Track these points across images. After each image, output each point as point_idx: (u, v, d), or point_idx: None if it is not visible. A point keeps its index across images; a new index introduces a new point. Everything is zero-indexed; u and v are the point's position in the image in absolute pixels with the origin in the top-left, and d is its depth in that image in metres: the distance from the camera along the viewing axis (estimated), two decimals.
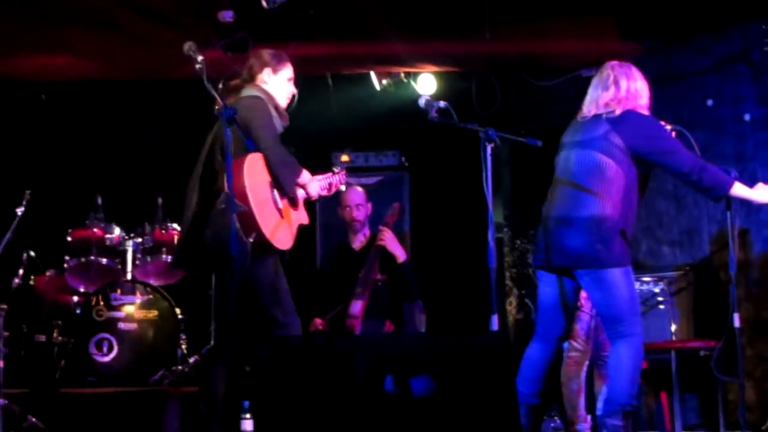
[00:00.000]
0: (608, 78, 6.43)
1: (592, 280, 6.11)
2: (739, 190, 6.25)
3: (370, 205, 8.26)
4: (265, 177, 6.19)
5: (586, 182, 6.18)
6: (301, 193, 6.46)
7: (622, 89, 6.37)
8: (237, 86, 6.52)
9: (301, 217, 6.48)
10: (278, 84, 6.52)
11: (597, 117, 6.26)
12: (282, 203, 6.29)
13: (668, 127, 6.60)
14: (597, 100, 6.40)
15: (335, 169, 6.91)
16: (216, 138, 6.34)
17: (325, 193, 6.74)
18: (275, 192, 6.25)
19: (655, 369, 7.90)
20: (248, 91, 6.41)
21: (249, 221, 5.93)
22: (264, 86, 6.47)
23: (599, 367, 6.99)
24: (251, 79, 6.51)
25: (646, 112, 6.38)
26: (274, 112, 6.38)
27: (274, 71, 6.50)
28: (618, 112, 6.28)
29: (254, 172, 6.10)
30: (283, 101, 6.53)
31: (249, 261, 5.94)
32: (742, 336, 6.84)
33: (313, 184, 6.53)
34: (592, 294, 6.20)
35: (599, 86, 6.42)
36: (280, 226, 6.23)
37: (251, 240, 5.95)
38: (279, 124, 6.39)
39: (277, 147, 6.23)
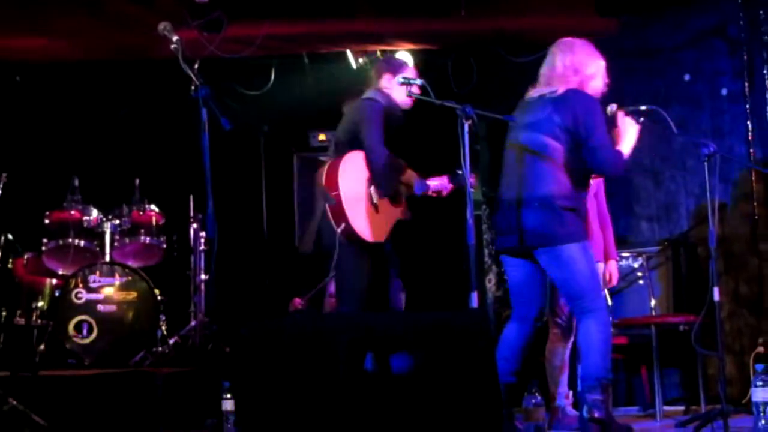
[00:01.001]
0: (551, 55, 6.49)
1: (549, 258, 6.16)
2: (625, 148, 6.38)
3: None
4: (363, 174, 6.69)
5: (534, 164, 6.24)
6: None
7: (560, 66, 6.40)
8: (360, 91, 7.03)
9: (401, 213, 6.91)
10: (396, 88, 6.84)
11: (542, 97, 6.31)
12: (380, 199, 6.72)
13: (642, 108, 6.60)
14: (541, 78, 6.45)
15: (459, 171, 6.82)
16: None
17: (432, 194, 7.05)
18: (372, 189, 6.69)
19: (635, 344, 7.93)
20: (366, 94, 6.94)
21: (338, 213, 6.52)
22: (384, 90, 6.91)
23: None
24: (372, 83, 7.02)
25: (594, 90, 6.39)
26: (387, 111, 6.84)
27: (394, 75, 6.86)
28: (560, 91, 6.31)
29: (352, 168, 6.64)
30: (403, 104, 6.93)
31: (337, 248, 6.53)
32: (722, 310, 6.87)
33: (418, 184, 6.90)
34: (551, 272, 6.23)
35: (545, 64, 6.47)
36: (371, 219, 6.65)
37: (340, 230, 6.51)
38: (394, 123, 6.89)
39: (377, 149, 6.68)
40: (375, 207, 6.66)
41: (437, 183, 7.03)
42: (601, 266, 7.02)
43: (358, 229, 6.52)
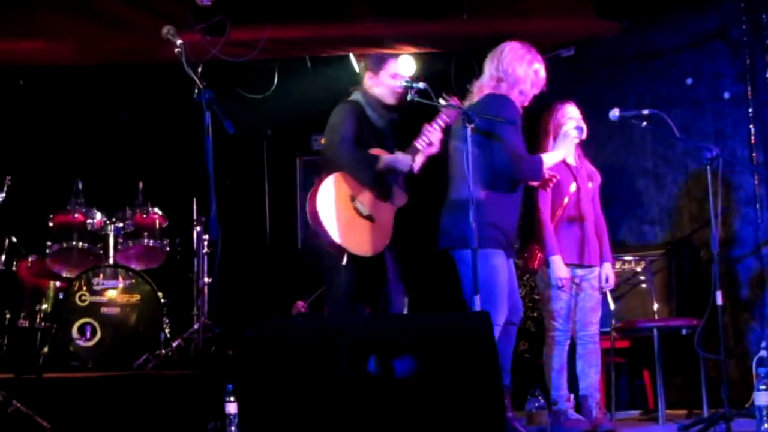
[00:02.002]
0: (484, 64, 6.81)
1: (455, 260, 6.49)
2: (548, 158, 6.57)
3: None
4: (344, 192, 6.60)
5: (455, 169, 6.59)
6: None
7: (487, 74, 6.73)
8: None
9: (397, 202, 6.77)
10: (381, 84, 6.78)
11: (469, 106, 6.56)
12: (369, 208, 6.62)
13: (644, 112, 6.67)
14: (473, 88, 6.82)
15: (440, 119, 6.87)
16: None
17: (432, 150, 6.84)
18: (357, 202, 6.56)
19: (638, 348, 7.94)
20: (349, 97, 6.90)
21: (336, 248, 6.56)
22: (368, 90, 6.83)
23: (578, 347, 7.02)
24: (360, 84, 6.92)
25: (527, 92, 6.64)
26: (368, 112, 6.77)
27: (376, 73, 6.80)
28: (476, 98, 6.64)
29: (329, 195, 6.55)
30: (389, 99, 6.81)
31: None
32: (724, 314, 6.87)
33: (400, 160, 6.69)
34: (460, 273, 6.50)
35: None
36: (369, 233, 6.60)
37: (344, 262, 6.54)
38: (378, 120, 6.80)
39: (341, 146, 6.61)
40: (369, 218, 6.61)
41: (423, 139, 6.84)
42: (596, 270, 7.04)
43: (359, 251, 6.52)
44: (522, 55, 6.66)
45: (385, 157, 6.67)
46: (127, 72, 9.69)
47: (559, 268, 6.83)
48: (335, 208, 6.51)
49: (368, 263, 6.59)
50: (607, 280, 7.09)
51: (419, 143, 6.74)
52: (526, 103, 6.71)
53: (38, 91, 9.85)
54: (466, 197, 6.22)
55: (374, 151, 6.72)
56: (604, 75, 9.09)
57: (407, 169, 6.68)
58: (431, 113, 6.71)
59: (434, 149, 6.79)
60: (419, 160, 6.81)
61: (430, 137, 6.75)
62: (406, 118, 7.00)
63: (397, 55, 6.81)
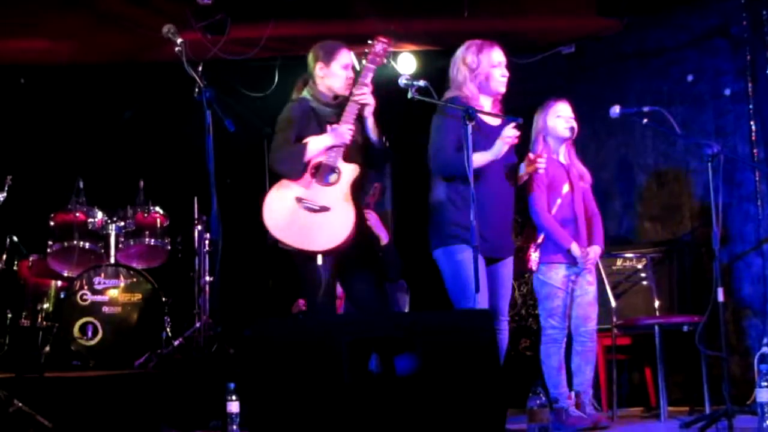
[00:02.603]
0: None
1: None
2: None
3: None
4: (289, 194, 6.35)
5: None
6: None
7: (459, 70, 6.74)
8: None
9: (346, 178, 6.37)
10: (333, 75, 6.53)
11: None
12: (319, 200, 6.31)
13: (645, 109, 6.67)
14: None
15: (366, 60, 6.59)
16: None
17: (367, 101, 6.46)
18: (305, 201, 6.30)
19: (640, 345, 7.94)
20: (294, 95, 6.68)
21: (297, 254, 6.36)
22: (317, 83, 6.56)
23: (575, 344, 7.03)
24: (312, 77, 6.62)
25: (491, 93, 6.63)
26: (315, 106, 6.51)
27: (327, 64, 6.53)
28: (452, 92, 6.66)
29: (273, 213, 6.33)
30: (341, 90, 6.53)
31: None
32: (726, 311, 6.87)
33: (339, 134, 6.38)
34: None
35: None
36: (324, 228, 6.29)
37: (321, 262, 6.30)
38: (329, 113, 6.50)
39: (273, 151, 6.42)
40: (323, 209, 6.29)
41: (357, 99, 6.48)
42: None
43: (330, 245, 6.26)
44: (477, 51, 6.69)
45: (314, 138, 6.39)
46: (127, 71, 9.70)
47: (578, 251, 6.89)
48: (286, 221, 6.29)
49: (345, 258, 6.41)
50: (589, 259, 7.03)
51: (351, 110, 6.42)
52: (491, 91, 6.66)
53: (39, 90, 9.85)
54: (434, 198, 6.56)
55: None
56: (604, 72, 9.09)
57: (346, 140, 6.34)
58: (430, 109, 6.67)
59: (371, 107, 6.49)
60: (370, 122, 6.52)
61: (362, 99, 6.44)
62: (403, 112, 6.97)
63: (348, 45, 6.62)
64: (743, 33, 8.27)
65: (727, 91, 8.35)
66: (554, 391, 6.86)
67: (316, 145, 6.34)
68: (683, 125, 7.95)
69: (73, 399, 6.99)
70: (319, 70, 6.51)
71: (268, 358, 5.21)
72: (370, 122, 6.48)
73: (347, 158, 6.38)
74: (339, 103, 6.48)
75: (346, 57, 6.55)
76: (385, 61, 6.58)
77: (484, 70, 6.59)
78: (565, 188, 7.00)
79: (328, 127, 6.39)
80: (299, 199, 6.26)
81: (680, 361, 7.89)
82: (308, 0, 8.22)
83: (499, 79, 6.60)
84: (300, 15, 8.38)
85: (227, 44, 8.64)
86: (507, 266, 6.65)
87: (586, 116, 7.11)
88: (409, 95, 6.33)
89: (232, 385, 5.48)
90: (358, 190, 6.45)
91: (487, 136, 6.42)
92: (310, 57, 6.58)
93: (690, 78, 8.55)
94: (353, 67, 6.55)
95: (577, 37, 9.17)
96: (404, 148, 9.95)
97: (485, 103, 6.60)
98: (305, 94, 6.57)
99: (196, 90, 5.70)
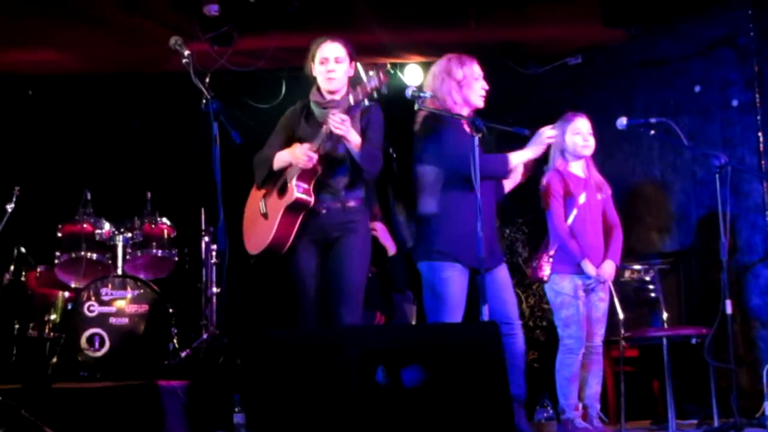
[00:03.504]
0: None
1: None
2: (516, 157, 6.56)
3: None
4: (259, 195, 6.44)
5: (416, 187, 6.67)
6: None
7: (442, 80, 6.73)
8: None
9: (288, 196, 6.21)
10: (316, 73, 6.47)
11: None
12: (267, 206, 6.34)
13: (652, 120, 6.68)
14: None
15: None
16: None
17: (339, 132, 6.10)
18: (263, 201, 6.37)
19: (647, 357, 7.92)
20: None
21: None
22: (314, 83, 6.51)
23: (583, 357, 7.03)
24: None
25: (469, 105, 6.66)
26: (311, 106, 6.46)
27: (312, 62, 6.48)
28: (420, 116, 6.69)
29: (249, 201, 6.48)
30: (326, 86, 6.42)
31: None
32: (734, 322, 6.85)
33: (294, 156, 6.20)
34: None
35: None
36: (257, 230, 6.33)
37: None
38: (324, 113, 6.33)
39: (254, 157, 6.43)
40: (264, 215, 6.34)
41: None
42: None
43: (251, 249, 6.36)
44: (446, 65, 6.73)
45: (282, 152, 6.31)
46: (135, 82, 9.72)
47: (590, 268, 6.90)
48: (248, 210, 6.48)
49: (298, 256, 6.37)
50: (604, 276, 7.04)
51: (323, 132, 6.19)
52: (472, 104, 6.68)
53: (46, 101, 9.88)
54: (421, 212, 6.60)
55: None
56: (611, 83, 9.09)
57: (299, 164, 6.16)
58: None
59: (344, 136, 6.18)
60: (354, 141, 6.19)
61: (333, 127, 6.11)
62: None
63: (326, 39, 6.48)
64: (750, 44, 8.27)
65: (735, 102, 8.33)
66: (563, 402, 6.87)
67: (280, 159, 6.33)
68: (690, 136, 7.94)
69: (81, 410, 6.98)
70: (310, 70, 6.50)
71: (275, 369, 5.20)
72: (351, 145, 6.22)
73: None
74: (331, 102, 6.35)
75: (324, 51, 6.42)
76: (375, 93, 6.28)
77: (467, 83, 6.60)
78: (582, 199, 7.01)
79: (321, 128, 6.23)
80: (263, 197, 6.39)
81: (688, 374, 7.86)
82: (315, 11, 8.22)
83: (480, 92, 6.65)
84: (307, 26, 8.38)
85: (234, 55, 8.66)
86: (503, 271, 6.70)
87: (593, 127, 7.10)
88: (416, 107, 6.33)
89: (238, 397, 5.48)
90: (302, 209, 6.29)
91: None
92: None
93: (697, 89, 8.55)
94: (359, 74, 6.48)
95: (584, 47, 9.18)
96: (409, 160, 9.96)
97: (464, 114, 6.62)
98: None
99: (203, 101, 5.70)
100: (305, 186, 6.19)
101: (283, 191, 6.26)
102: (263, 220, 6.29)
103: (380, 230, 8.03)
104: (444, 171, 6.48)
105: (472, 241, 6.12)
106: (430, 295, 6.50)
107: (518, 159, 6.57)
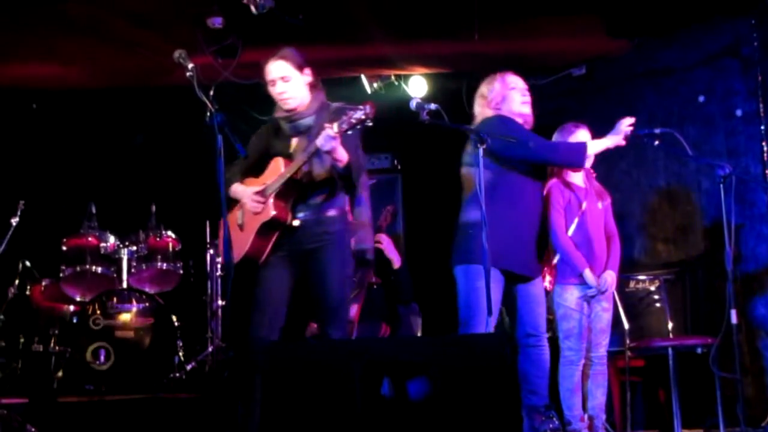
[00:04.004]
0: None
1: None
2: (593, 147, 6.64)
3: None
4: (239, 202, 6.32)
5: (463, 191, 6.68)
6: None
7: (477, 102, 6.83)
8: None
9: (265, 214, 6.14)
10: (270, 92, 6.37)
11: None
12: (245, 217, 6.26)
13: (656, 131, 6.70)
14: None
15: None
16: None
17: (329, 149, 5.94)
18: (241, 211, 6.28)
19: (653, 367, 7.92)
20: None
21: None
22: None
23: (587, 368, 7.03)
24: None
25: (514, 115, 6.70)
26: (280, 122, 6.36)
27: (264, 82, 6.38)
28: (476, 122, 6.72)
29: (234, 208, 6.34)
30: (281, 106, 6.36)
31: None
32: (740, 332, 6.84)
33: (244, 197, 6.20)
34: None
35: None
36: (236, 239, 6.16)
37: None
38: (292, 129, 6.28)
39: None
40: (240, 227, 6.28)
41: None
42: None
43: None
44: (501, 80, 6.78)
45: (241, 188, 6.27)
46: (139, 95, 9.73)
47: (592, 278, 6.91)
48: (232, 218, 6.30)
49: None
50: (605, 285, 7.04)
51: (310, 150, 6.05)
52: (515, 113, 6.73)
53: (51, 115, 9.89)
54: (467, 218, 6.53)
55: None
56: (615, 93, 9.10)
57: (249, 209, 6.17)
58: (440, 132, 6.67)
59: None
60: (342, 158, 6.04)
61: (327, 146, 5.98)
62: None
63: (268, 59, 6.39)
64: (754, 53, 8.27)
65: (739, 112, 8.33)
66: (568, 413, 6.86)
67: (235, 192, 6.29)
68: (695, 146, 7.94)
69: (86, 423, 6.99)
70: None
71: (281, 382, 5.20)
72: (339, 162, 6.09)
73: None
74: (297, 114, 6.29)
75: (269, 74, 6.34)
76: (359, 125, 6.10)
77: (503, 97, 6.71)
78: (583, 208, 7.01)
79: (292, 141, 6.25)
80: (240, 207, 6.28)
81: (694, 383, 7.85)
82: (319, 24, 8.23)
83: (520, 99, 6.77)
84: (311, 39, 8.38)
85: (238, 68, 8.66)
86: (539, 285, 6.74)
87: (596, 137, 7.10)
88: (420, 118, 6.32)
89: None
90: (273, 229, 6.20)
91: None
92: None
93: (701, 99, 8.55)
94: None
95: (588, 58, 9.19)
96: (415, 171, 9.98)
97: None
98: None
99: (208, 114, 5.71)
100: (282, 204, 6.13)
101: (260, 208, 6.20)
102: (239, 231, 6.25)
103: (385, 242, 8.03)
104: (495, 175, 6.50)
105: (516, 247, 6.36)
106: (465, 301, 6.49)
107: (596, 148, 6.64)
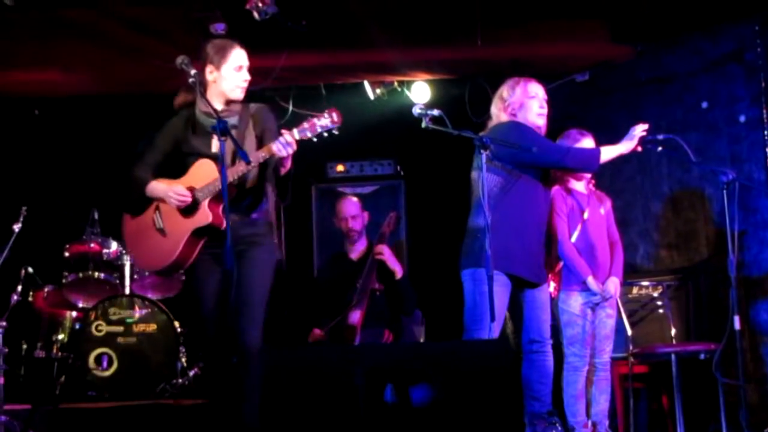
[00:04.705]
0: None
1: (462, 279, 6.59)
2: (607, 152, 6.63)
3: (366, 215, 8.26)
4: (152, 204, 6.10)
5: (471, 196, 6.66)
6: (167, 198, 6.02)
7: (496, 104, 6.80)
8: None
9: (199, 219, 5.95)
10: (225, 78, 6.09)
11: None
12: (166, 221, 6.03)
13: (659, 137, 6.70)
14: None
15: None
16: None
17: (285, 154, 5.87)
18: (158, 214, 6.06)
19: (656, 373, 7.90)
20: None
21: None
22: (207, 88, 6.08)
23: (590, 373, 7.03)
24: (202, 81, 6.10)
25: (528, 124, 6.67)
26: (198, 115, 6.14)
27: (217, 66, 6.07)
28: (487, 129, 6.70)
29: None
30: (234, 94, 6.11)
31: None
32: (743, 338, 6.83)
33: (170, 197, 5.97)
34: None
35: None
36: (152, 246, 6.06)
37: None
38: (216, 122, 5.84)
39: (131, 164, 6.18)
40: (160, 231, 6.03)
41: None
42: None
43: (139, 264, 6.14)
44: (516, 87, 6.75)
45: (159, 185, 6.03)
46: (142, 102, 9.71)
47: (595, 285, 6.92)
48: (135, 223, 6.18)
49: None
50: (609, 293, 7.05)
51: (262, 155, 5.88)
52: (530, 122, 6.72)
53: (53, 121, 9.89)
54: (476, 222, 6.49)
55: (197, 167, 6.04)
56: (619, 99, 9.09)
57: (173, 205, 5.96)
58: (443, 138, 6.66)
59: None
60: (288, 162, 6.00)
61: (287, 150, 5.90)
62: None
63: (241, 43, 6.25)
64: (758, 59, 8.26)
65: (742, 118, 8.32)
66: (572, 420, 6.87)
67: (154, 191, 6.06)
68: (698, 152, 7.92)
69: (89, 430, 6.98)
70: (209, 73, 6.06)
71: (284, 388, 5.19)
72: (287, 164, 6.02)
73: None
74: (227, 111, 6.05)
75: (239, 57, 6.11)
76: (325, 133, 6.03)
77: (521, 103, 6.69)
78: (585, 216, 7.01)
79: (213, 140, 5.97)
80: (155, 209, 6.08)
81: (697, 389, 7.84)
82: (322, 30, 8.23)
83: (537, 111, 6.75)
84: (314, 45, 8.40)
85: None
86: (545, 292, 6.73)
87: (600, 143, 7.10)
88: (423, 124, 6.30)
89: None
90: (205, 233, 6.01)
91: None
92: (202, 59, 6.10)
93: (704, 105, 8.54)
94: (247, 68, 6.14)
95: (591, 64, 9.18)
96: (418, 177, 9.96)
97: None
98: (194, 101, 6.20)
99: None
100: (217, 209, 5.92)
101: (189, 211, 5.97)
102: (160, 236, 6.03)
103: (387, 254, 7.98)
104: (506, 180, 6.51)
105: (525, 253, 6.41)
106: (471, 305, 6.48)
107: (609, 154, 6.64)
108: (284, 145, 5.81)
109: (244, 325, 5.94)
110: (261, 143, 6.06)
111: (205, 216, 5.90)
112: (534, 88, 6.74)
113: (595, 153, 6.63)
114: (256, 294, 6.05)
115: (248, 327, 5.97)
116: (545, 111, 6.75)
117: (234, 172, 5.83)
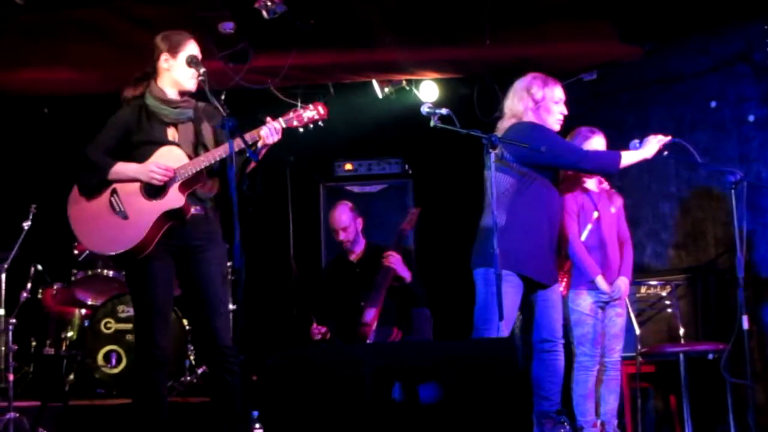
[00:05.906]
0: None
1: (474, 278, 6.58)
2: (627, 157, 6.59)
3: (360, 221, 8.19)
4: (108, 188, 5.99)
5: (486, 197, 6.57)
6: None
7: (516, 95, 6.73)
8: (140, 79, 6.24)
9: (171, 202, 5.84)
10: (179, 67, 6.04)
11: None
12: (127, 205, 5.89)
13: (667, 138, 6.69)
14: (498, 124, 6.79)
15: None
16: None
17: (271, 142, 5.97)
18: (116, 198, 5.93)
19: (664, 373, 7.90)
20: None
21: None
22: (160, 77, 6.09)
23: (600, 373, 7.03)
24: (154, 72, 6.13)
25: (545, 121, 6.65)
26: (152, 104, 6.06)
27: (173, 55, 6.04)
28: (502, 130, 6.64)
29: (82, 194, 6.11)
30: (188, 85, 6.04)
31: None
32: (751, 338, 6.83)
33: (145, 173, 5.86)
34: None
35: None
36: (108, 229, 5.91)
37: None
38: (171, 112, 5.99)
39: (85, 150, 6.10)
40: (121, 214, 5.88)
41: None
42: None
43: (96, 248, 6.03)
44: (531, 84, 6.71)
45: (124, 165, 5.94)
46: None
47: (604, 285, 6.93)
48: (85, 205, 6.08)
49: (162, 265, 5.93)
50: (619, 292, 7.05)
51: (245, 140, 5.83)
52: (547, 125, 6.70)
53: (62, 120, 9.91)
54: (486, 223, 6.47)
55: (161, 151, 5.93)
56: (626, 99, 9.09)
57: (155, 183, 5.83)
58: (451, 137, 6.66)
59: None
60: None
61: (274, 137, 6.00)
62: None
63: (189, 35, 6.24)
64: (766, 59, 8.25)
65: (751, 118, 8.31)
66: (581, 419, 6.87)
67: (122, 173, 5.94)
68: (706, 152, 7.93)
69: (98, 427, 7.00)
70: (163, 62, 6.03)
71: (292, 386, 5.20)
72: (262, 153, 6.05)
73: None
74: (184, 102, 6.04)
75: (193, 48, 6.04)
76: (310, 125, 6.10)
77: (546, 105, 6.61)
78: (595, 215, 7.02)
79: (168, 130, 5.99)
80: (111, 193, 5.97)
81: (705, 389, 7.84)
82: (330, 29, 8.24)
83: (557, 116, 6.65)
84: (322, 44, 8.41)
85: (249, 73, 8.66)
86: (557, 291, 6.70)
87: (608, 143, 7.11)
88: (431, 123, 6.31)
89: (256, 413, 5.48)
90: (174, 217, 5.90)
91: None
92: (155, 48, 6.09)
93: (713, 104, 8.53)
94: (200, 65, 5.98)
95: (599, 63, 9.17)
96: (426, 176, 9.96)
97: None
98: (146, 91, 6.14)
99: (220, 119, 5.71)
100: (185, 194, 5.86)
101: (155, 194, 5.86)
102: (120, 220, 5.87)
103: (395, 261, 7.91)
104: (519, 181, 6.50)
105: (537, 254, 6.39)
106: (482, 303, 6.48)
107: (630, 159, 6.61)
108: (273, 131, 5.93)
109: (219, 325, 5.90)
110: (216, 140, 6.07)
111: (177, 199, 5.83)
112: (559, 93, 6.70)
113: (615, 157, 6.58)
114: (222, 295, 6.03)
115: (224, 326, 5.94)
116: (562, 118, 6.73)
117: (200, 162, 5.84)
